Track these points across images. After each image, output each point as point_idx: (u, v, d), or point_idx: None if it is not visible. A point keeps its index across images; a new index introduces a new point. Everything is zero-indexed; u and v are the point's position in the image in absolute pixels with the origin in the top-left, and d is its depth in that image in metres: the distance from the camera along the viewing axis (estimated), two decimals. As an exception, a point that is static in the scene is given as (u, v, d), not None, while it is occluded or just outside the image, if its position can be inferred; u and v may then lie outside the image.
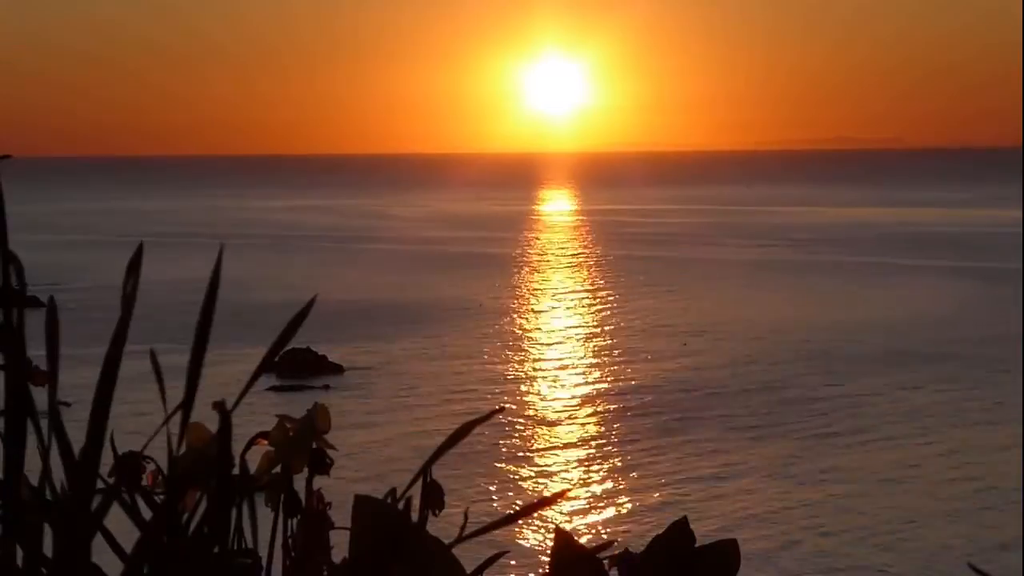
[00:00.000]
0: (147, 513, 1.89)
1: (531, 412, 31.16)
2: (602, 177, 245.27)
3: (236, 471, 1.95)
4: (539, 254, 74.97)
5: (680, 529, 2.66)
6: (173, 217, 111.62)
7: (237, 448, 1.93)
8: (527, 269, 65.52)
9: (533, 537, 19.56)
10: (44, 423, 1.76)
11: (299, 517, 2.16)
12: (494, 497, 23.73)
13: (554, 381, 35.43)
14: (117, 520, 1.86)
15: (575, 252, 77.94)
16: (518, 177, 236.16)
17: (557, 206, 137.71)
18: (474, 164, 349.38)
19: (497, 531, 1.83)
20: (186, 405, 1.78)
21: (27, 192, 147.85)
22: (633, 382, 35.30)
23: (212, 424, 1.88)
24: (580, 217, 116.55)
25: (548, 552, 2.66)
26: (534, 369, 37.04)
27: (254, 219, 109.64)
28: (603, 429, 30.01)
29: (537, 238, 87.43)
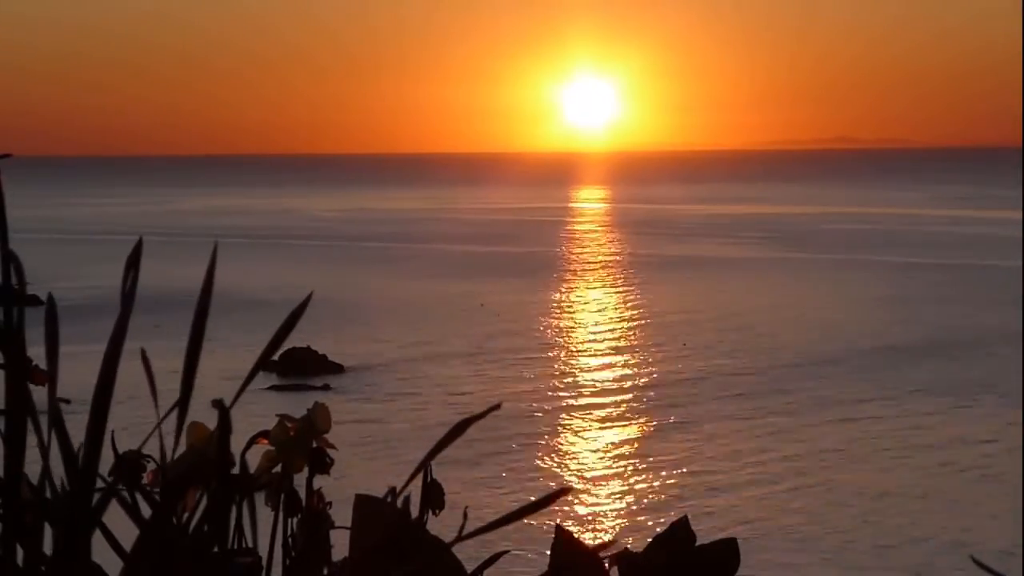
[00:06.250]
0: (147, 512, 1.89)
1: (531, 410, 31.16)
2: (613, 176, 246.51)
3: (236, 470, 1.95)
4: (539, 254, 75.00)
5: (680, 528, 2.66)
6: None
7: (237, 447, 1.93)
8: (526, 269, 65.53)
9: (534, 536, 19.56)
10: (44, 421, 1.76)
11: (299, 517, 2.15)
12: (494, 495, 23.74)
13: (554, 380, 35.44)
14: (118, 519, 1.86)
15: (578, 251, 77.99)
16: (541, 176, 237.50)
17: (568, 204, 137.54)
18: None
19: (498, 530, 1.82)
20: (182, 403, 1.78)
21: (27, 190, 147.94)
22: (633, 380, 35.31)
23: (212, 422, 1.88)
24: (585, 216, 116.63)
25: (549, 551, 2.66)
26: (534, 367, 37.04)
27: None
28: (604, 426, 30.02)
29: (538, 238, 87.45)
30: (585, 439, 29.05)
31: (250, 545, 2.02)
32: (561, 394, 33.65)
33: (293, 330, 1.85)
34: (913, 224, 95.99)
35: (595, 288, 57.89)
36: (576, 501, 23.99)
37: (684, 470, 26.23)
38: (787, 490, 24.67)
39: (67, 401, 1.81)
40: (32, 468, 1.78)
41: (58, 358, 1.77)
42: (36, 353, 1.81)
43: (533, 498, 1.81)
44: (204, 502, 1.87)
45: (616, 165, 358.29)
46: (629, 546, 2.63)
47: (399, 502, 2.02)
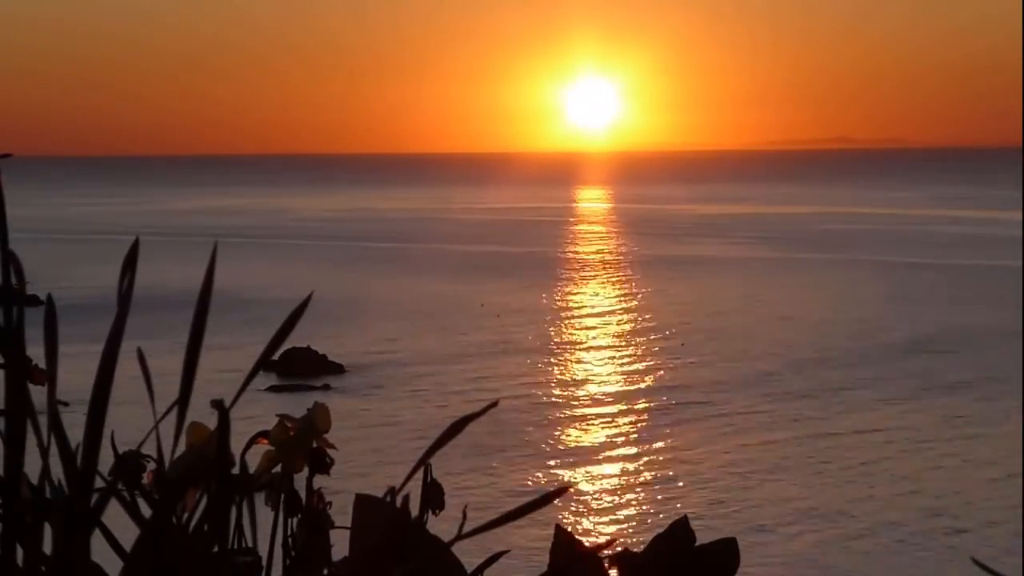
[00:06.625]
0: (147, 512, 1.89)
1: (531, 409, 31.17)
2: (615, 176, 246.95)
3: (236, 470, 1.95)
4: (539, 254, 75.01)
5: (680, 528, 2.66)
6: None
7: (237, 447, 1.93)
8: (526, 269, 65.55)
9: (534, 535, 19.57)
10: (43, 421, 1.76)
11: (299, 516, 2.15)
12: (493, 494, 23.74)
13: (553, 379, 35.44)
14: (118, 519, 1.86)
15: (578, 251, 78.01)
16: (543, 176, 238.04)
17: (569, 204, 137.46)
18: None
19: (498, 529, 1.82)
20: (182, 403, 1.78)
21: (25, 190, 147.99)
22: (631, 379, 35.32)
23: (212, 422, 1.88)
24: (586, 216, 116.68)
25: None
26: (533, 367, 37.04)
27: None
28: (602, 425, 30.03)
29: (538, 238, 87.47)
30: (583, 438, 29.06)
31: (250, 545, 2.02)
32: (559, 393, 33.66)
33: (293, 330, 1.85)
34: (913, 224, 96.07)
35: (595, 288, 57.90)
36: (575, 500, 23.99)
37: (683, 468, 26.23)
38: (783, 488, 24.68)
39: (64, 403, 1.81)
40: (32, 468, 1.78)
41: (57, 358, 1.77)
42: (35, 353, 1.81)
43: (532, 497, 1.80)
44: (204, 502, 1.87)
45: (618, 165, 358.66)
46: (629, 546, 2.63)
47: (399, 502, 2.02)
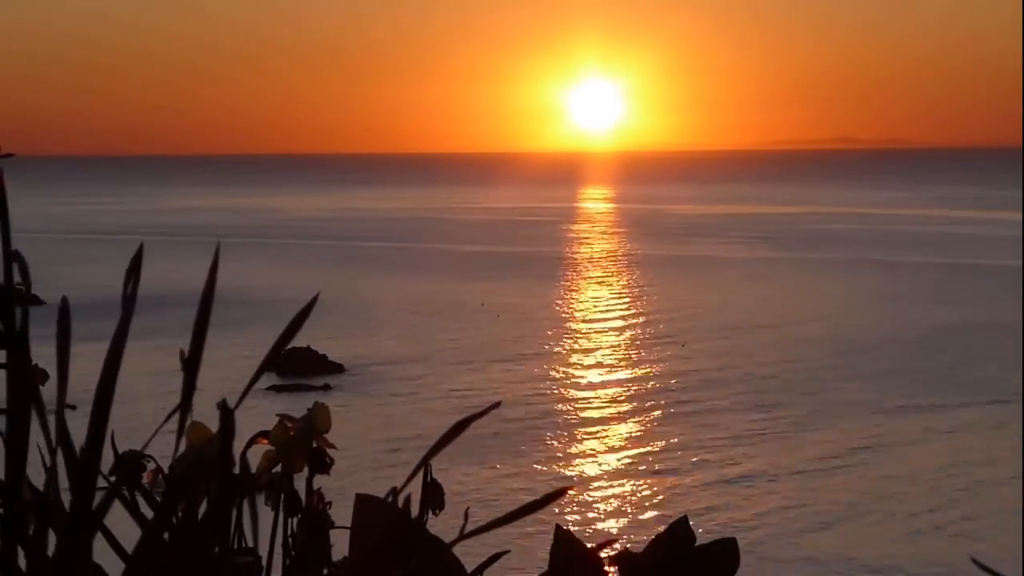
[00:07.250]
0: (148, 512, 1.89)
1: (530, 410, 31.16)
2: (618, 176, 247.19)
3: (237, 470, 1.95)
4: (540, 254, 74.98)
5: (680, 528, 2.66)
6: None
7: (238, 447, 1.94)
8: (526, 269, 65.52)
9: (534, 535, 19.57)
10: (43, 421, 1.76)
11: (299, 516, 2.16)
12: (494, 494, 23.74)
13: (553, 379, 35.43)
14: (118, 519, 1.86)
15: (579, 251, 77.98)
16: (547, 176, 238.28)
17: (572, 204, 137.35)
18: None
19: (499, 530, 1.83)
20: (184, 405, 1.79)
21: (25, 190, 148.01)
22: (631, 380, 35.31)
23: (212, 423, 1.88)
24: (588, 216, 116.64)
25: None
26: (533, 367, 37.03)
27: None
28: (601, 425, 30.02)
29: (540, 238, 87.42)
30: (582, 438, 29.05)
31: (250, 545, 2.02)
32: (560, 393, 33.65)
33: (298, 331, 1.85)
34: (915, 224, 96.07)
35: (595, 288, 57.88)
36: (575, 500, 23.99)
37: (683, 469, 26.22)
38: (785, 488, 24.68)
39: (72, 407, 1.81)
40: (32, 468, 1.78)
41: (69, 359, 1.78)
42: (38, 353, 1.82)
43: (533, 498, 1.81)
44: (204, 502, 1.87)
45: (622, 165, 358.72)
46: (629, 546, 2.64)
47: (399, 502, 2.02)
